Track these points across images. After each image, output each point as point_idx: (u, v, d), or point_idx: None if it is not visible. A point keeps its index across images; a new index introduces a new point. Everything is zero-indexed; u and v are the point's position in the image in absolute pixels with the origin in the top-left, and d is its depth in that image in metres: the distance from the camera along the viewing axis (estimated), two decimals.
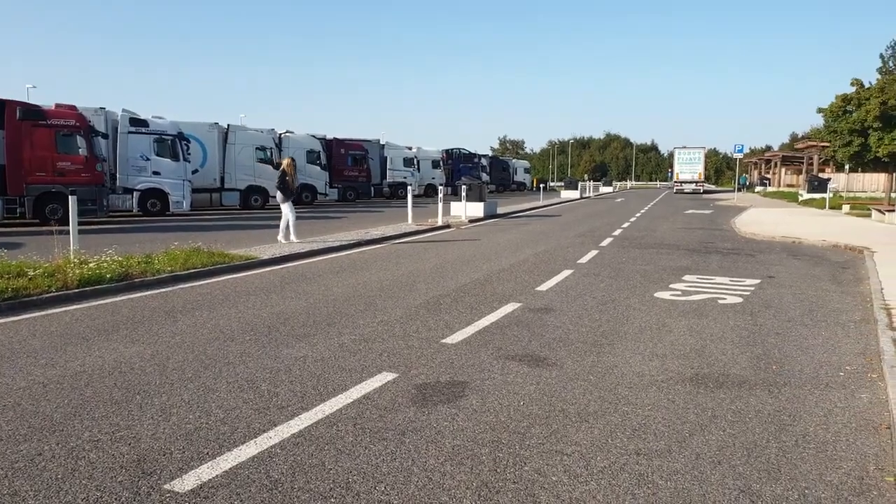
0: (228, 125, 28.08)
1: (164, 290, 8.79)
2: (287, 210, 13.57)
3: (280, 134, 30.97)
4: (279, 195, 13.83)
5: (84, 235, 11.73)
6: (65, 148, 18.31)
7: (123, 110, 22.68)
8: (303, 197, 31.70)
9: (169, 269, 9.58)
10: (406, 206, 20.19)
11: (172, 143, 23.00)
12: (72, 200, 9.98)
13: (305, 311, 7.51)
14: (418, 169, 42.84)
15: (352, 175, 35.62)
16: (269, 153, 28.58)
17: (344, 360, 5.56)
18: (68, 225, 10.02)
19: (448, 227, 19.36)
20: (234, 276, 10.05)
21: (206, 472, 3.51)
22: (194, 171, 25.05)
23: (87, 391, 4.76)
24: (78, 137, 18.47)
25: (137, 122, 22.64)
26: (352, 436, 3.99)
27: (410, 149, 44.04)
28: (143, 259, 9.94)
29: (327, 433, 4.03)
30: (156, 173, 22.71)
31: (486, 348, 6.00)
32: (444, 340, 6.24)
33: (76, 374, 5.14)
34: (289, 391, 4.79)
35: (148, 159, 22.59)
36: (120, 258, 9.53)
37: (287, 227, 13.62)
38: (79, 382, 4.95)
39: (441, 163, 46.40)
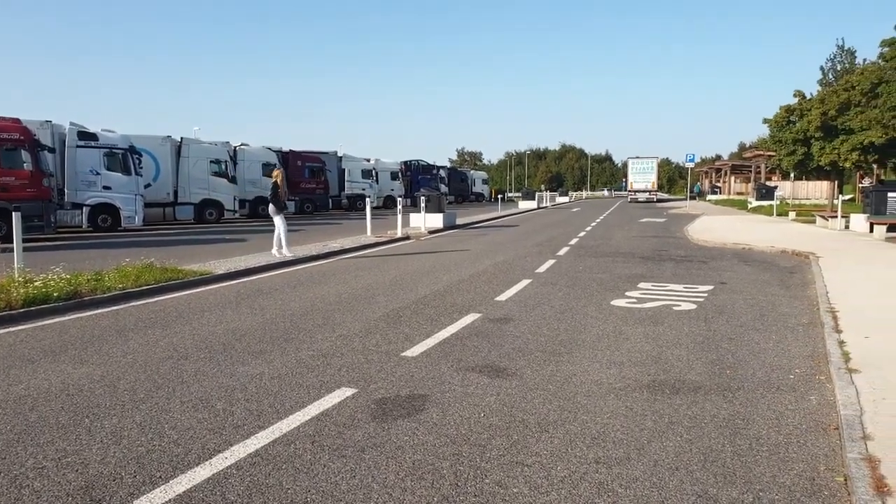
0: (182, 138, 27.60)
1: (115, 307, 8.53)
2: (279, 222, 13.63)
3: (235, 147, 30.56)
4: (271, 208, 13.86)
5: (30, 253, 11.34)
6: (8, 162, 17.66)
7: (71, 123, 22.05)
8: (259, 210, 31.32)
9: (120, 286, 9.32)
10: (365, 218, 20.08)
11: (123, 157, 22.43)
12: (16, 217, 9.62)
13: (262, 327, 7.38)
14: (377, 181, 42.74)
15: (309, 187, 35.33)
16: (223, 166, 28.19)
17: (301, 377, 5.47)
18: (12, 242, 9.67)
19: (407, 238, 19.32)
20: (189, 292, 9.83)
21: (158, 496, 3.40)
22: (147, 186, 24.48)
23: (31, 415, 4.57)
24: (22, 151, 17.83)
25: (86, 136, 22.02)
26: (310, 454, 3.92)
27: (368, 160, 43.91)
28: (93, 276, 9.63)
29: (285, 452, 3.96)
30: (106, 188, 22.10)
31: (446, 360, 5.98)
32: (403, 353, 6.20)
33: (20, 398, 4.94)
34: (245, 410, 4.69)
35: (98, 174, 21.98)
36: (68, 276, 9.22)
37: (280, 239, 13.68)
38: (23, 407, 4.76)
39: (400, 174, 46.41)
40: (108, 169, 22.16)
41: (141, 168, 23.36)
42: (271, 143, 33.88)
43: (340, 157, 41.20)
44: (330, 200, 37.64)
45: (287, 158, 33.98)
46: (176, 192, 26.96)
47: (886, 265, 12.14)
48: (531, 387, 5.22)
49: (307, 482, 3.56)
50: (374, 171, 42.67)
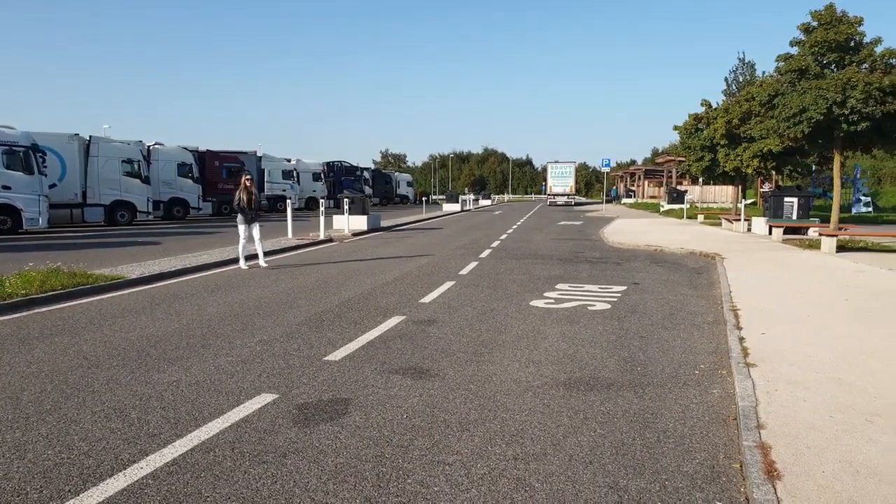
0: (90, 136, 26.32)
1: (17, 315, 8.08)
2: (254, 233, 13.01)
3: (149, 146, 29.42)
4: (239, 217, 13.06)
5: None
6: None
7: None
8: (174, 212, 30.29)
9: (23, 292, 8.82)
10: (286, 220, 19.76)
11: (25, 155, 21.15)
12: None
13: (178, 333, 7.17)
14: (298, 182, 42.04)
15: (227, 188, 34.27)
16: (136, 166, 27.08)
17: (220, 383, 5.37)
18: None
19: (331, 240, 19.13)
20: (99, 297, 9.42)
21: None
22: (52, 186, 23.22)
23: None
24: None
25: None
26: (230, 461, 3.87)
27: (289, 161, 43.13)
28: None
29: (203, 460, 3.89)
30: (5, 188, 20.78)
31: (369, 363, 6.01)
32: (326, 358, 6.17)
33: None
34: (161, 418, 4.57)
35: None
36: None
37: (258, 249, 13.12)
38: None
39: (322, 175, 45.82)
40: (8, 167, 20.85)
41: (45, 167, 22.14)
42: (187, 142, 32.80)
43: (260, 158, 40.30)
44: None
45: (204, 158, 32.99)
46: (85, 193, 25.71)
47: (782, 265, 12.99)
48: (453, 387, 5.32)
49: (227, 489, 3.51)
50: (295, 172, 41.92)
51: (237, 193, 13.14)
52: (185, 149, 31.46)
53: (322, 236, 19.25)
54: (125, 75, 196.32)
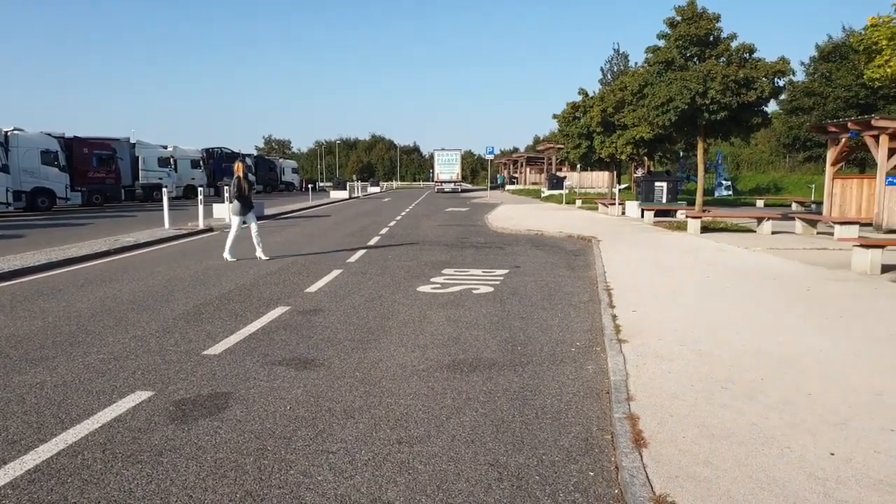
0: None
1: None
2: (236, 224, 11.99)
3: (6, 132, 26.94)
4: (236, 206, 11.88)
5: None
6: None
7: None
8: (39, 202, 28.04)
9: None
10: (162, 210, 18.77)
11: None
12: None
13: (42, 332, 6.68)
14: (175, 169, 40.02)
15: (98, 177, 32.19)
16: None
17: (90, 383, 5.07)
18: None
19: (211, 230, 18.38)
20: None
21: None
22: None
23: None
24: None
25: None
26: (100, 463, 3.68)
27: (166, 147, 40.89)
28: None
29: (70, 464, 3.67)
30: None
31: (251, 356, 5.87)
32: (205, 352, 5.97)
33: None
34: (22, 423, 4.26)
35: None
36: None
37: (257, 241, 12.09)
38: None
39: (201, 163, 43.80)
40: None
41: None
42: (54, 129, 30.34)
43: (133, 144, 37.96)
44: (123, 191, 34.73)
45: (71, 146, 30.66)
46: None
47: (652, 246, 13.88)
48: (338, 375, 5.31)
49: (97, 493, 3.34)
50: (172, 159, 39.86)
51: (235, 182, 11.91)
52: (50, 135, 29.10)
53: (201, 226, 18.46)
54: None
